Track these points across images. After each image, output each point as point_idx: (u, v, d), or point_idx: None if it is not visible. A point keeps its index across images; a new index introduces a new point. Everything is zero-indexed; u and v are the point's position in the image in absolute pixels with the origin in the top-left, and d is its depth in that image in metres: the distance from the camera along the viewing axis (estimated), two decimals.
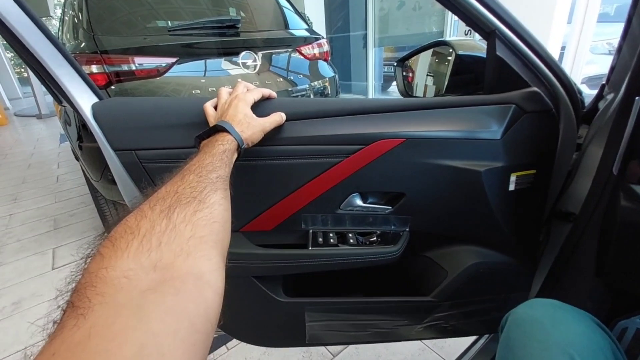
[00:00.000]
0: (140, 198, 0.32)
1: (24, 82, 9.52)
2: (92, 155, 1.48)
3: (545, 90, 0.59)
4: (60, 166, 3.47)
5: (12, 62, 9.84)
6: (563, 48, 3.16)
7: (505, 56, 0.58)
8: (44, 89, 6.35)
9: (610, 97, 0.62)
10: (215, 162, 0.40)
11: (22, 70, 10.25)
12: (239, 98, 0.52)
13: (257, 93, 0.55)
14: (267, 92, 0.58)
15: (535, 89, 0.59)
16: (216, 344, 1.23)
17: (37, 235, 2.12)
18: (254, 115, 0.52)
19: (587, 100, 0.68)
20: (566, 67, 3.11)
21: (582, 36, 2.98)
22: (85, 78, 0.57)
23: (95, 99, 0.58)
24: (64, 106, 1.46)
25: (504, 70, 0.59)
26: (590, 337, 0.42)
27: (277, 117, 0.56)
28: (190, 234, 0.28)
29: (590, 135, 0.65)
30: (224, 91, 0.56)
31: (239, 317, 0.74)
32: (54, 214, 2.40)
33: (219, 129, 0.47)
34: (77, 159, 1.73)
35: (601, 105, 0.65)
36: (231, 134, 0.46)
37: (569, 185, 0.69)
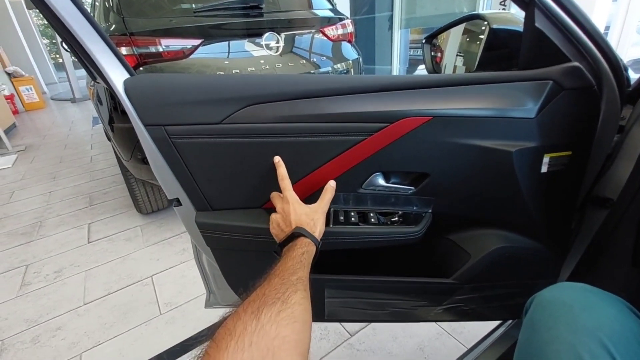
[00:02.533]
0: (238, 301, 0.40)
1: (59, 67, 9.96)
2: (123, 135, 1.55)
3: (587, 66, 0.55)
4: (94, 147, 3.65)
5: (48, 48, 10.31)
6: (607, 28, 2.93)
7: (545, 28, 0.54)
8: (77, 74, 6.66)
9: None
10: (296, 264, 0.47)
11: (57, 56, 10.72)
12: (289, 202, 0.57)
13: (287, 181, 0.59)
14: (284, 172, 0.61)
15: (576, 63, 0.55)
16: None
17: (75, 211, 2.26)
18: (312, 208, 0.58)
19: (634, 80, 0.63)
20: None
21: (628, 16, 2.74)
22: (118, 55, 0.59)
23: (127, 75, 0.59)
24: (98, 82, 1.52)
25: (542, 44, 0.55)
26: (622, 322, 0.40)
27: (329, 193, 0.60)
28: (275, 334, 0.33)
29: (634, 116, 0.61)
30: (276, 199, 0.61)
31: None
32: (89, 191, 2.55)
33: (296, 235, 0.54)
34: (109, 139, 1.81)
35: None
36: (307, 237, 0.54)
37: (607, 169, 0.65)
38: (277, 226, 0.58)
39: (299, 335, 0.35)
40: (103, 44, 0.57)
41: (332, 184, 0.61)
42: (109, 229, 2.00)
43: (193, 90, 0.59)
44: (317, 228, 0.56)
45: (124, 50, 1.40)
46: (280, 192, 0.60)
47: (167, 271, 1.61)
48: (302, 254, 0.49)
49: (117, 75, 0.58)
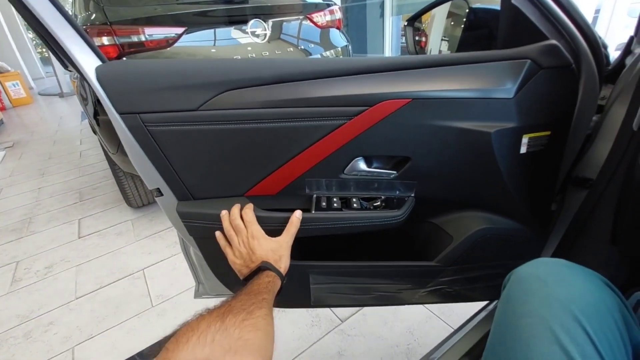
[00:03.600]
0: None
1: (46, 62, 9.72)
2: (108, 128, 1.52)
3: (565, 44, 0.55)
4: (83, 142, 3.60)
5: (35, 42, 10.03)
6: (597, 11, 2.91)
7: (522, 5, 0.53)
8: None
9: (639, 51, 0.57)
10: (262, 288, 0.48)
11: (44, 50, 10.44)
12: (254, 237, 0.57)
13: (250, 214, 0.60)
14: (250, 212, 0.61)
15: (554, 41, 0.55)
16: None
17: (65, 207, 2.24)
18: (278, 242, 0.58)
19: (613, 59, 0.63)
20: (600, 32, 2.85)
21: None
22: (89, 41, 0.57)
23: (99, 62, 0.58)
24: (70, 70, 1.49)
25: (519, 22, 0.54)
26: (596, 295, 0.40)
27: (294, 227, 0.60)
28: (239, 336, 0.34)
29: (614, 95, 0.61)
30: (230, 232, 0.60)
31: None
32: (78, 187, 2.52)
33: (262, 269, 0.54)
34: (94, 132, 1.78)
35: (628, 61, 0.60)
36: (272, 271, 0.54)
37: (587, 150, 0.65)
38: (242, 261, 0.58)
39: (262, 342, 0.36)
40: (72, 29, 0.55)
41: (297, 215, 0.61)
42: (100, 224, 1.99)
43: (168, 76, 0.58)
44: (283, 264, 0.57)
45: (105, 40, 1.36)
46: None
47: (158, 264, 1.60)
48: (268, 282, 0.51)
49: (89, 62, 0.57)
